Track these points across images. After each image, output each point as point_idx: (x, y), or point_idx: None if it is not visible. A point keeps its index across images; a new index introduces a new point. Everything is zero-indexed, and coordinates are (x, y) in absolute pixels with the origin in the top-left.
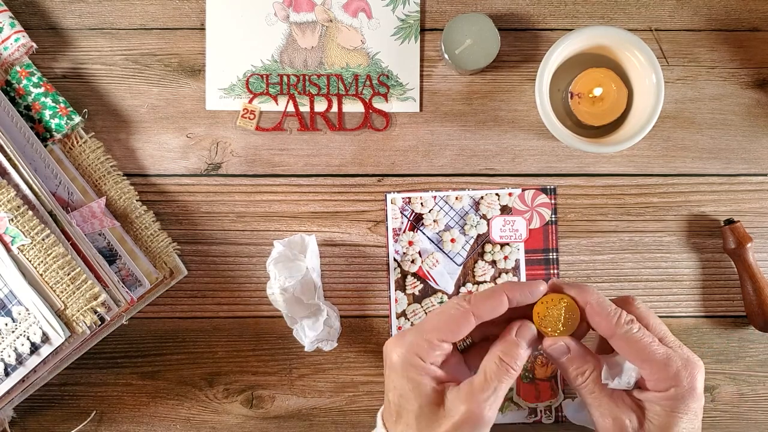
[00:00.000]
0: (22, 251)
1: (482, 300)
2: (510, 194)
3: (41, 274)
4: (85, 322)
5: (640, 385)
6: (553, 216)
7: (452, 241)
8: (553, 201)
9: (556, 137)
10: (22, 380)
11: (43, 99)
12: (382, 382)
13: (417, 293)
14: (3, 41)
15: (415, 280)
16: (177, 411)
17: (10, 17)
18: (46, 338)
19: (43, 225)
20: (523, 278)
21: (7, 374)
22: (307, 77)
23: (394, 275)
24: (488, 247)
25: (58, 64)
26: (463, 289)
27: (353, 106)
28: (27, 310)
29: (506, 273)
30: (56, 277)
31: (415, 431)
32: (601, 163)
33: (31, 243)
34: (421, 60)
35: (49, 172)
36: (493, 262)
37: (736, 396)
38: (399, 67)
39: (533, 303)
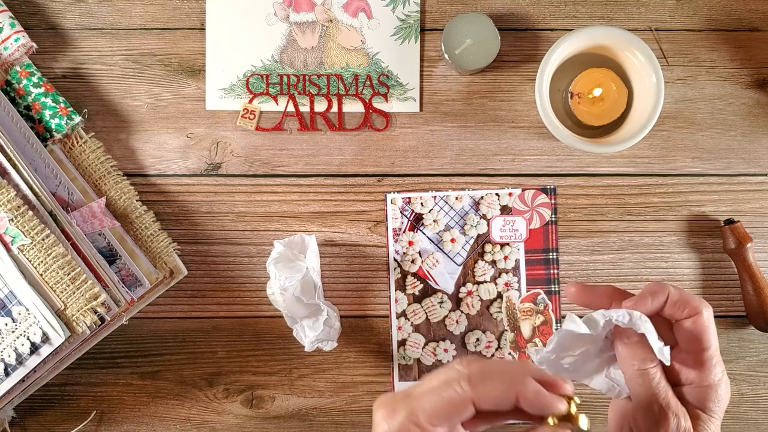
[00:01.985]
0: (22, 251)
1: (486, 388)
2: (510, 194)
3: (41, 274)
4: (85, 322)
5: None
6: (553, 216)
7: (452, 241)
8: (553, 201)
9: (556, 137)
10: (22, 380)
11: (43, 99)
12: (382, 382)
13: (417, 293)
14: (3, 41)
15: (415, 280)
16: (177, 411)
17: (10, 17)
18: (46, 338)
19: (43, 225)
20: (523, 278)
21: (7, 374)
22: (307, 77)
23: (394, 275)
24: (488, 247)
25: (58, 64)
26: (463, 289)
27: (353, 106)
28: (27, 310)
29: (506, 273)
30: (56, 277)
31: None
32: (601, 163)
33: (31, 243)
34: (421, 60)
35: (49, 172)
36: (493, 262)
37: (736, 396)
38: (399, 67)
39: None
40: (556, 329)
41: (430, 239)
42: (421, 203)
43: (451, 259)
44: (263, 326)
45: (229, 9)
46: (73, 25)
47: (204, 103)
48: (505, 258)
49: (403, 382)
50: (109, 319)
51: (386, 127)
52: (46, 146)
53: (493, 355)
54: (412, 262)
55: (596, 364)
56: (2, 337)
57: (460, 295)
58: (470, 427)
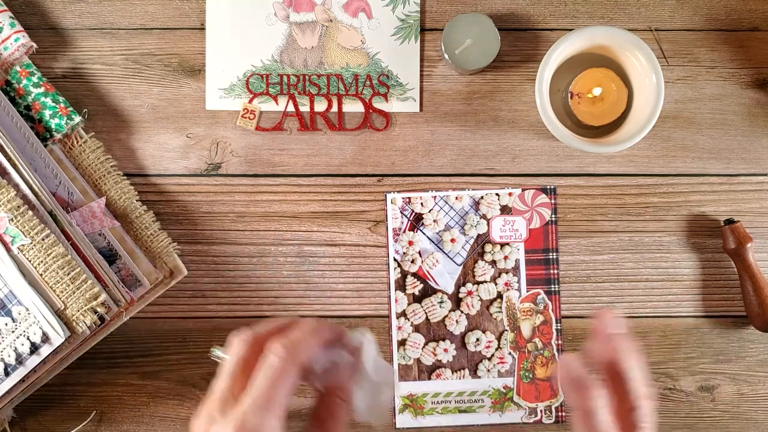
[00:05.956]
0: (22, 251)
1: (301, 349)
2: (510, 194)
3: (41, 274)
4: (85, 322)
5: None
6: (553, 216)
7: (452, 241)
8: (553, 201)
9: (556, 137)
10: (22, 380)
11: (43, 99)
12: None
13: (417, 293)
14: (3, 41)
15: (415, 280)
16: (177, 411)
17: (10, 17)
18: (46, 338)
19: (43, 225)
20: (523, 278)
21: (7, 374)
22: (307, 77)
23: (394, 275)
24: (488, 247)
25: (58, 64)
26: (463, 289)
27: (353, 106)
28: (27, 310)
29: (506, 273)
30: (56, 277)
31: None
32: (601, 163)
33: (31, 243)
34: (421, 60)
35: (49, 172)
36: (493, 262)
37: (736, 396)
38: (399, 67)
39: None
40: (557, 329)
41: (430, 239)
42: (421, 203)
43: (451, 259)
44: None
45: (229, 9)
46: (73, 25)
47: (204, 103)
48: (505, 258)
49: (403, 383)
50: (108, 318)
51: (386, 127)
52: (46, 146)
53: (492, 356)
54: (412, 262)
55: None
56: (2, 337)
57: (460, 295)
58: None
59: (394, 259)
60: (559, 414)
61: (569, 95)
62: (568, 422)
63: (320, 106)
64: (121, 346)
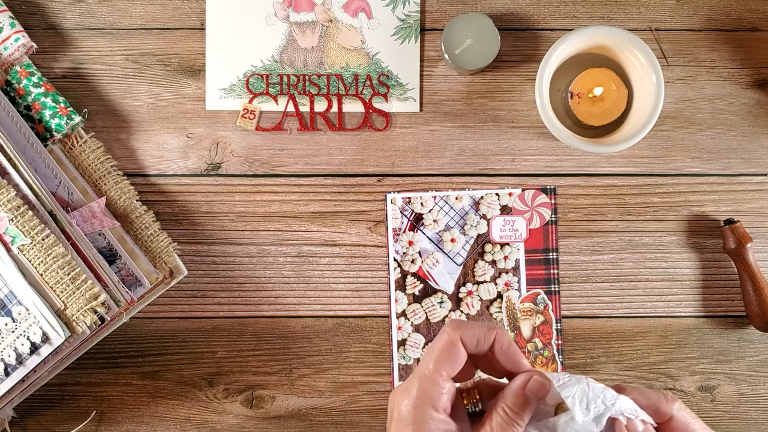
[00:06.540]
0: (22, 251)
1: (469, 328)
2: (510, 194)
3: (41, 274)
4: (85, 322)
5: None
6: (553, 216)
7: (452, 241)
8: (553, 201)
9: (556, 137)
10: (22, 380)
11: (43, 99)
12: (382, 382)
13: (417, 293)
14: (3, 41)
15: (415, 280)
16: (177, 411)
17: (10, 17)
18: (46, 338)
19: (43, 225)
20: (523, 278)
21: (7, 374)
22: (307, 77)
23: (394, 275)
24: (488, 247)
25: (58, 64)
26: (463, 289)
27: (353, 106)
28: (27, 310)
29: (506, 273)
30: (56, 277)
31: None
32: (601, 163)
33: (31, 243)
34: (421, 60)
35: (49, 172)
36: (493, 262)
37: (736, 396)
38: (399, 67)
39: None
40: (557, 329)
41: (430, 239)
42: (421, 203)
43: (451, 259)
44: (263, 326)
45: (229, 9)
46: (73, 25)
47: (204, 103)
48: (505, 258)
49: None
50: (109, 319)
51: (386, 127)
52: (46, 146)
53: None
54: (412, 262)
55: None
56: (2, 337)
57: (460, 295)
58: (461, 378)
59: (394, 259)
60: None
61: (569, 95)
62: None
63: (320, 106)
64: (121, 346)
